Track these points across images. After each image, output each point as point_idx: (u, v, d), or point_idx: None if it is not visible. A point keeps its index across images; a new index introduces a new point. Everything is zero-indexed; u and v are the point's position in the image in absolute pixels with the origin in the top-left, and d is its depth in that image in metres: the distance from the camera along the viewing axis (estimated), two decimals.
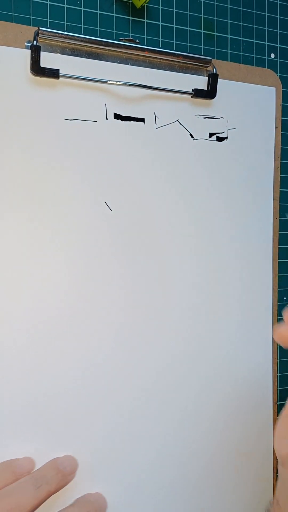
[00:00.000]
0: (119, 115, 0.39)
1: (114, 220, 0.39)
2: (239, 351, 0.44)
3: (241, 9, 0.46)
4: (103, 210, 0.38)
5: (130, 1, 0.41)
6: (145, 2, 0.40)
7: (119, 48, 0.39)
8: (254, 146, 0.45)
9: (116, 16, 0.41)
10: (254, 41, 0.47)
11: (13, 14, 0.37)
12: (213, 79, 0.42)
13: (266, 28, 0.47)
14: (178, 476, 0.41)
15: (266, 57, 0.47)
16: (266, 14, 0.47)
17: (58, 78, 0.36)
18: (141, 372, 0.39)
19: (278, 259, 0.47)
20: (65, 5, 0.39)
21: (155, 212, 0.40)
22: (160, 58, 0.40)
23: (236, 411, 0.43)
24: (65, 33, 0.37)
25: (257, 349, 0.44)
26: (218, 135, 0.43)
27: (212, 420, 0.42)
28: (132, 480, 0.39)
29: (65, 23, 0.39)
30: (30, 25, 0.37)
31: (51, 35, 0.36)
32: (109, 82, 0.38)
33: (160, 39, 0.42)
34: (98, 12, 0.40)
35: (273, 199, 0.46)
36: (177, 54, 0.41)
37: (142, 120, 0.40)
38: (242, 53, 0.46)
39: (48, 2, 0.38)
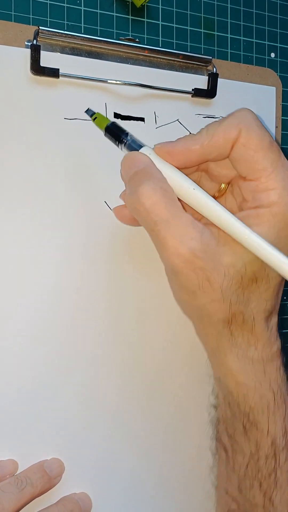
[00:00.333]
0: (119, 114, 0.39)
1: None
2: None
3: (241, 8, 0.46)
4: (103, 209, 0.38)
5: (130, 1, 0.41)
6: (145, 1, 0.40)
7: (119, 48, 0.39)
8: None
9: (116, 16, 0.41)
10: (254, 40, 0.47)
11: (13, 13, 0.37)
12: (213, 79, 0.42)
13: (266, 28, 0.47)
14: (165, 476, 0.41)
15: (266, 57, 0.47)
16: (266, 13, 0.47)
17: (58, 78, 0.36)
18: (132, 373, 0.39)
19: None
20: (65, 4, 0.39)
21: None
22: (160, 58, 0.40)
23: None
24: (65, 32, 0.37)
25: None
26: None
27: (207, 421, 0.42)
28: (118, 480, 0.39)
29: (65, 22, 0.39)
30: (30, 24, 0.37)
31: (51, 34, 0.36)
32: (109, 81, 0.38)
33: (160, 39, 0.42)
34: (98, 11, 0.40)
35: None
36: (177, 53, 0.41)
37: (142, 119, 0.40)
38: (242, 53, 0.46)
39: (48, 2, 0.38)
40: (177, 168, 0.31)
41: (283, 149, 0.47)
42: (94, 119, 0.34)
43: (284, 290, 0.47)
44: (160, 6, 0.42)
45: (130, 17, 0.41)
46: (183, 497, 0.41)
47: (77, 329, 0.37)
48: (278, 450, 0.30)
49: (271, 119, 0.45)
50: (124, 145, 0.33)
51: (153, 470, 0.40)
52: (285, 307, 0.48)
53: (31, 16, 0.38)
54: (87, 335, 0.38)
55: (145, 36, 0.42)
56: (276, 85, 0.46)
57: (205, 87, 0.42)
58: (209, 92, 0.42)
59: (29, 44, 0.36)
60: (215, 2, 0.45)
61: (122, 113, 0.39)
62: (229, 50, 0.45)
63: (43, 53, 0.36)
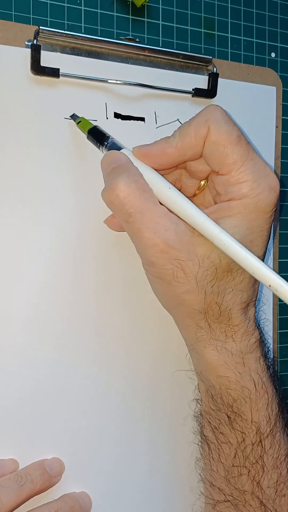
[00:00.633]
0: (119, 114, 0.39)
1: None
2: None
3: (242, 8, 0.46)
4: (103, 209, 0.38)
5: (130, 0, 0.41)
6: (145, 1, 0.40)
7: (119, 47, 0.39)
8: (254, 145, 0.44)
9: (116, 15, 0.41)
10: (254, 40, 0.47)
11: (13, 13, 0.37)
12: (213, 78, 0.42)
13: (267, 27, 0.47)
14: (165, 476, 0.41)
15: (267, 56, 0.47)
16: (267, 13, 0.47)
17: (58, 77, 0.36)
18: (133, 373, 0.39)
19: (278, 259, 0.47)
20: (66, 4, 0.39)
21: None
22: (161, 57, 0.40)
23: None
24: (65, 32, 0.37)
25: None
26: None
27: None
28: (118, 481, 0.39)
29: (65, 22, 0.39)
30: (30, 24, 0.37)
31: (51, 34, 0.36)
32: (109, 81, 0.38)
33: (161, 38, 0.42)
34: (99, 11, 0.40)
35: None
36: (178, 53, 0.41)
37: (142, 119, 0.40)
38: (242, 52, 0.46)
39: (49, 1, 0.38)
40: (156, 169, 0.32)
41: (283, 149, 0.47)
42: (78, 123, 0.36)
43: None
44: (160, 6, 0.42)
45: (130, 16, 0.41)
46: (184, 497, 0.41)
47: (77, 329, 0.37)
48: (263, 437, 0.31)
49: (271, 119, 0.45)
50: (105, 147, 0.34)
51: (153, 470, 0.40)
52: (285, 307, 0.48)
53: (31, 15, 0.38)
54: (87, 335, 0.38)
55: (146, 36, 0.42)
56: (277, 84, 0.46)
57: (206, 87, 0.42)
58: (210, 92, 0.42)
59: (30, 44, 0.36)
60: (216, 2, 0.45)
61: (122, 113, 0.39)
62: (229, 50, 0.45)
63: (43, 53, 0.36)
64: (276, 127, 0.46)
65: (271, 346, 0.35)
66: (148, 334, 0.40)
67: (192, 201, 0.31)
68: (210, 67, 0.42)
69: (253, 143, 0.45)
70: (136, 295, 0.39)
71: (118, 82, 0.38)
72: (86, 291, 0.38)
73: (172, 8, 0.43)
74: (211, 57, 0.42)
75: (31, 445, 0.36)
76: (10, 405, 0.35)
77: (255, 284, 0.32)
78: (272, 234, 0.45)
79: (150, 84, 0.39)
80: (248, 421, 0.31)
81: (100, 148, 0.35)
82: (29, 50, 0.36)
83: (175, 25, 0.43)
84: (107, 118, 0.38)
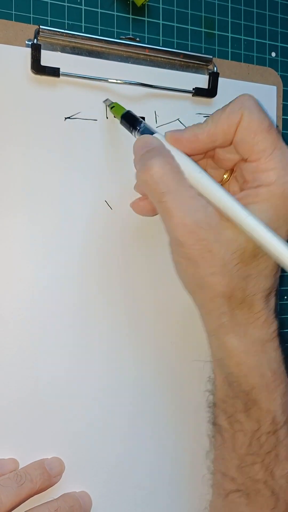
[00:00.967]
0: None
1: (115, 218, 0.39)
2: None
3: (242, 7, 0.46)
4: (103, 208, 0.38)
5: (130, 0, 0.41)
6: (145, 0, 0.40)
7: (120, 47, 0.39)
8: None
9: (116, 15, 0.41)
10: (255, 39, 0.47)
11: (13, 12, 0.37)
12: (213, 78, 0.42)
13: (267, 27, 0.47)
14: (165, 476, 0.41)
15: (267, 56, 0.47)
16: (267, 12, 0.47)
17: (59, 77, 0.36)
18: (133, 372, 0.39)
19: None
20: (66, 4, 0.39)
21: None
22: (161, 57, 0.40)
23: None
24: (66, 31, 0.37)
25: None
26: None
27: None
28: (118, 480, 0.39)
29: (66, 21, 0.39)
30: (30, 24, 0.37)
31: (51, 34, 0.36)
32: (109, 80, 0.38)
33: (161, 38, 0.42)
34: (99, 10, 0.40)
35: None
36: (178, 52, 0.41)
37: (142, 118, 0.40)
38: (243, 52, 0.46)
39: (49, 1, 0.38)
40: (186, 154, 0.33)
41: None
42: (111, 108, 0.37)
43: (284, 290, 0.47)
44: (160, 5, 0.42)
45: (130, 16, 0.41)
46: (184, 496, 0.41)
47: (77, 329, 0.37)
48: (278, 427, 0.31)
49: (271, 118, 0.45)
50: (138, 131, 0.35)
51: (153, 470, 0.40)
52: (285, 307, 0.48)
53: (31, 15, 0.38)
54: (87, 334, 0.38)
55: (146, 35, 0.42)
56: (277, 84, 0.46)
57: (206, 86, 0.42)
58: (210, 91, 0.42)
59: (30, 43, 0.36)
60: (216, 2, 0.45)
61: None
62: (229, 49, 0.45)
63: (43, 52, 0.36)
64: (277, 126, 0.46)
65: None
66: (150, 331, 0.40)
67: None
68: (210, 67, 0.42)
69: None
70: (138, 294, 0.39)
71: (118, 81, 0.38)
72: (87, 291, 0.38)
73: (173, 8, 0.43)
74: (211, 57, 0.42)
75: (31, 445, 0.36)
76: (10, 404, 0.35)
77: (277, 273, 0.32)
78: None
79: (150, 84, 0.39)
80: (264, 409, 0.31)
81: (133, 132, 0.35)
82: (29, 49, 0.36)
83: (175, 24, 0.43)
84: (107, 117, 0.38)
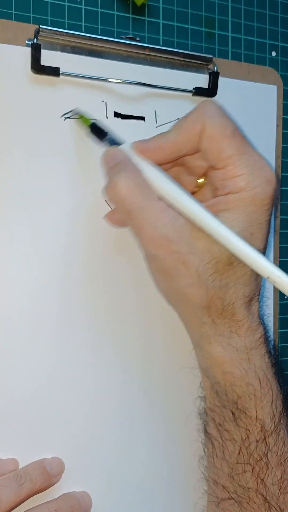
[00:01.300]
0: (119, 113, 0.39)
1: None
2: None
3: (242, 7, 0.46)
4: (103, 208, 0.38)
5: None
6: (145, 0, 0.40)
7: (120, 46, 0.39)
8: (255, 144, 0.44)
9: (116, 14, 0.41)
10: (255, 39, 0.46)
11: (13, 12, 0.37)
12: (214, 77, 0.42)
13: (267, 26, 0.47)
14: (165, 476, 0.41)
15: (267, 55, 0.47)
16: (267, 12, 0.47)
17: (59, 76, 0.36)
18: (133, 372, 0.39)
19: (279, 258, 0.47)
20: (66, 3, 0.39)
21: None
22: (161, 56, 0.40)
23: None
24: (66, 31, 0.37)
25: None
26: None
27: None
28: (118, 480, 0.39)
29: (66, 21, 0.39)
30: (30, 23, 0.37)
31: (51, 33, 0.36)
32: (109, 80, 0.38)
33: (161, 37, 0.42)
34: (99, 10, 0.40)
35: None
36: (178, 52, 0.41)
37: (142, 118, 0.40)
38: (243, 51, 0.46)
39: (49, 0, 0.38)
40: (154, 164, 0.32)
41: (284, 148, 0.47)
42: (77, 119, 0.37)
43: None
44: (160, 5, 0.42)
45: (130, 15, 0.41)
46: (186, 495, 0.41)
47: (77, 328, 0.37)
48: (267, 434, 0.31)
49: (272, 118, 0.45)
50: (105, 143, 0.35)
51: (154, 469, 0.40)
52: (285, 306, 0.48)
53: (31, 15, 0.38)
54: (87, 334, 0.38)
55: (146, 34, 0.42)
56: (277, 83, 0.46)
57: (206, 86, 0.42)
58: (210, 91, 0.42)
59: (30, 43, 0.36)
60: (216, 1, 0.45)
61: (123, 112, 0.39)
62: (230, 49, 0.45)
63: (43, 52, 0.36)
64: (277, 126, 0.46)
65: (274, 343, 0.35)
66: (148, 334, 0.40)
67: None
68: (210, 66, 0.42)
69: (253, 142, 0.45)
70: (136, 296, 0.39)
71: (118, 81, 0.38)
72: (86, 292, 0.38)
73: (173, 7, 0.43)
74: (211, 56, 0.42)
75: (31, 445, 0.36)
76: (10, 404, 0.35)
77: (257, 278, 0.32)
78: (272, 228, 0.45)
79: (150, 83, 0.39)
80: (252, 418, 0.31)
81: (100, 144, 0.35)
82: (29, 49, 0.36)
83: (175, 24, 0.43)
84: (107, 117, 0.38)
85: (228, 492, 0.32)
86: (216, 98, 0.42)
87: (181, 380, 0.41)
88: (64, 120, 0.37)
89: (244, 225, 0.30)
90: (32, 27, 0.36)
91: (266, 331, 0.33)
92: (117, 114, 0.39)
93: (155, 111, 0.40)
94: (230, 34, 0.45)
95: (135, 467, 0.39)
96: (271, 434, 0.31)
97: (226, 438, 0.32)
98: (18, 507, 0.33)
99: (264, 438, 0.31)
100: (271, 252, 0.46)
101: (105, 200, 0.38)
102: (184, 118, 0.32)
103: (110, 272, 0.39)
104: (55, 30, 0.36)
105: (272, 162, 0.46)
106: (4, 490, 0.32)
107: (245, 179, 0.30)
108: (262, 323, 0.33)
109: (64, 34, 0.37)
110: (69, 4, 0.39)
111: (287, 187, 0.48)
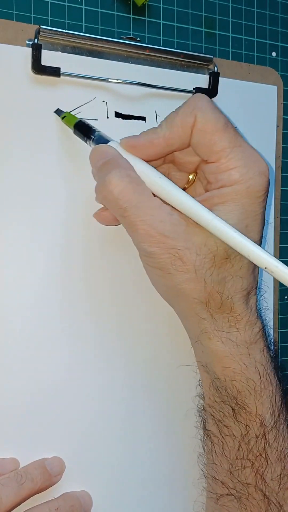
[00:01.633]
0: (120, 113, 0.39)
1: None
2: None
3: (243, 7, 0.46)
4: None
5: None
6: (146, 0, 0.40)
7: (120, 46, 0.39)
8: (255, 144, 0.44)
9: (117, 14, 0.41)
10: (255, 39, 0.46)
11: (14, 12, 0.37)
12: (214, 78, 0.42)
13: (268, 27, 0.47)
14: (166, 476, 0.41)
15: (268, 56, 0.47)
16: (268, 12, 0.47)
17: (59, 76, 0.36)
18: (133, 372, 0.39)
19: (279, 258, 0.47)
20: (66, 3, 0.39)
21: None
22: (161, 57, 0.40)
23: None
24: (66, 31, 0.37)
25: None
26: None
27: None
28: (119, 480, 0.39)
29: (66, 21, 0.39)
30: (31, 23, 0.37)
31: (52, 33, 0.36)
32: (110, 80, 0.38)
33: (161, 38, 0.42)
34: (99, 10, 0.40)
35: (274, 198, 0.46)
36: (178, 52, 0.41)
37: (143, 118, 0.40)
38: (243, 52, 0.46)
39: (49, 1, 0.38)
40: (144, 160, 0.32)
41: (284, 148, 0.47)
42: (63, 118, 0.36)
43: (284, 289, 0.47)
44: (161, 5, 0.42)
45: (131, 16, 0.41)
46: (187, 493, 0.41)
47: (77, 328, 0.37)
48: (267, 430, 0.31)
49: (272, 118, 0.45)
50: (92, 140, 0.34)
51: (154, 469, 0.40)
52: (285, 306, 0.48)
53: (32, 15, 0.38)
54: (88, 334, 0.38)
55: (146, 35, 0.42)
56: (278, 84, 0.46)
57: (206, 86, 0.42)
58: (210, 91, 0.42)
59: (30, 43, 0.36)
60: (216, 1, 0.45)
61: (123, 112, 0.39)
62: (230, 49, 0.45)
63: (44, 52, 0.36)
64: (277, 126, 0.46)
65: (273, 338, 0.35)
66: (147, 331, 0.40)
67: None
68: (211, 66, 0.42)
69: (253, 142, 0.45)
70: (135, 293, 0.39)
71: (119, 81, 0.38)
72: (87, 291, 0.38)
73: (173, 7, 0.43)
74: (212, 56, 0.42)
75: (31, 444, 0.36)
76: (11, 404, 0.35)
77: (254, 271, 0.32)
78: (272, 225, 0.45)
79: (151, 84, 0.39)
80: (252, 413, 0.31)
81: (88, 142, 0.34)
82: (30, 49, 0.36)
83: (176, 24, 0.43)
84: (107, 117, 0.38)
85: (227, 488, 0.32)
86: (216, 98, 0.42)
87: (180, 378, 0.41)
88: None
89: (239, 218, 0.30)
90: (32, 27, 0.36)
91: (264, 325, 0.33)
92: (117, 114, 0.39)
93: (155, 111, 0.40)
94: (230, 35, 0.45)
95: (135, 466, 0.39)
96: (271, 429, 0.31)
97: (226, 434, 0.32)
98: (18, 507, 0.33)
99: (264, 434, 0.31)
100: (271, 252, 0.46)
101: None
102: (174, 113, 0.32)
103: (111, 269, 0.39)
104: (55, 31, 0.36)
105: (272, 162, 0.46)
106: (4, 490, 0.32)
107: (240, 172, 0.30)
108: (260, 317, 0.33)
109: (65, 34, 0.37)
110: (69, 4, 0.39)
111: (287, 187, 0.48)
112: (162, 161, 0.34)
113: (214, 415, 0.32)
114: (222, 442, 0.32)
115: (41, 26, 0.36)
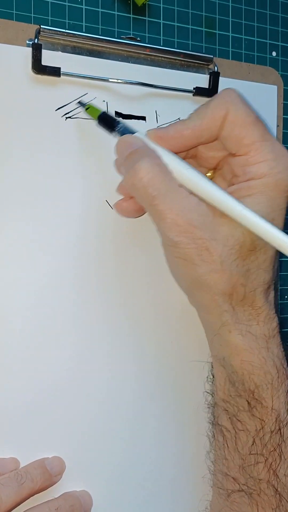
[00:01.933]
0: (120, 113, 0.39)
1: (115, 218, 0.39)
2: None
3: (243, 7, 0.46)
4: (104, 208, 0.38)
5: None
6: (146, 0, 0.40)
7: (120, 46, 0.39)
8: None
9: (117, 14, 0.41)
10: (255, 39, 0.47)
11: (14, 12, 0.37)
12: (214, 77, 0.42)
13: (268, 26, 0.47)
14: (166, 476, 0.41)
15: (268, 55, 0.47)
16: (268, 12, 0.47)
17: (59, 76, 0.36)
18: (134, 372, 0.39)
19: (279, 258, 0.47)
20: (66, 3, 0.39)
21: None
22: (161, 56, 0.40)
23: None
24: (66, 31, 0.37)
25: None
26: None
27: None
28: (119, 480, 0.39)
29: (67, 21, 0.39)
30: (31, 23, 0.37)
31: (52, 33, 0.36)
32: (110, 80, 0.38)
33: (162, 37, 0.42)
34: (100, 10, 0.40)
35: None
36: (179, 52, 0.41)
37: (143, 118, 0.40)
38: (243, 51, 0.46)
39: (50, 0, 0.38)
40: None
41: None
42: (86, 109, 0.36)
43: (285, 289, 0.47)
44: (161, 5, 0.42)
45: (131, 15, 0.41)
46: (188, 494, 0.41)
47: (78, 327, 0.38)
48: (282, 425, 0.31)
49: (272, 118, 0.45)
50: (117, 132, 0.34)
51: (154, 469, 0.40)
52: (285, 306, 0.48)
53: (32, 15, 0.38)
54: (87, 333, 0.38)
55: (147, 34, 0.42)
56: (278, 83, 0.46)
57: (206, 86, 0.42)
58: (211, 91, 0.42)
59: (31, 43, 0.36)
60: (217, 1, 0.45)
61: (123, 112, 0.39)
62: (230, 49, 0.45)
63: (44, 52, 0.36)
64: (277, 126, 0.46)
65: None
66: (151, 330, 0.40)
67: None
68: (211, 66, 0.42)
69: None
70: (139, 292, 0.39)
71: (119, 81, 0.38)
72: (87, 291, 0.38)
73: (173, 7, 0.43)
74: (212, 56, 0.42)
75: (31, 444, 0.36)
76: (11, 404, 0.35)
77: (276, 265, 0.32)
78: None
79: (151, 83, 0.39)
80: (268, 408, 0.31)
81: (112, 134, 0.35)
82: (30, 49, 0.36)
83: (176, 24, 0.43)
84: None
85: (239, 484, 0.32)
86: None
87: (182, 377, 0.41)
88: (65, 120, 0.37)
89: (267, 210, 0.30)
90: (33, 27, 0.36)
91: (280, 321, 0.33)
92: (118, 114, 0.39)
93: (156, 111, 0.40)
94: (230, 34, 0.45)
95: (136, 466, 0.39)
96: (286, 424, 0.31)
97: (239, 429, 0.31)
98: (18, 507, 0.33)
99: (279, 429, 0.31)
100: None
101: (106, 200, 0.38)
102: (205, 105, 0.32)
103: (112, 268, 0.39)
104: (56, 30, 0.36)
105: None
106: (4, 490, 0.32)
107: (269, 165, 0.30)
108: (277, 312, 0.33)
109: (65, 34, 0.37)
110: (69, 4, 0.39)
111: None
112: (184, 155, 0.34)
113: (228, 410, 0.32)
114: (235, 437, 0.32)
115: (41, 26, 0.36)
